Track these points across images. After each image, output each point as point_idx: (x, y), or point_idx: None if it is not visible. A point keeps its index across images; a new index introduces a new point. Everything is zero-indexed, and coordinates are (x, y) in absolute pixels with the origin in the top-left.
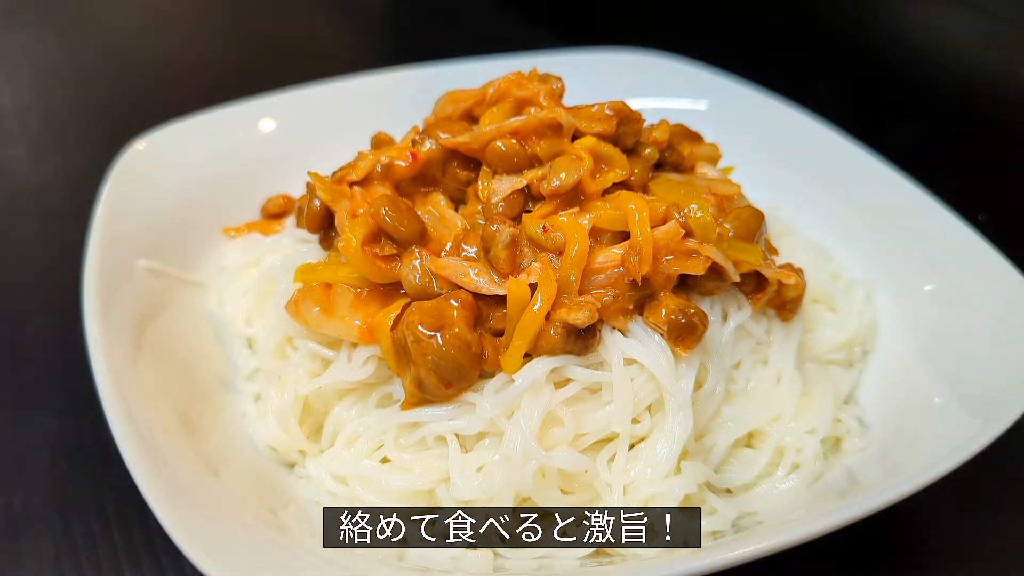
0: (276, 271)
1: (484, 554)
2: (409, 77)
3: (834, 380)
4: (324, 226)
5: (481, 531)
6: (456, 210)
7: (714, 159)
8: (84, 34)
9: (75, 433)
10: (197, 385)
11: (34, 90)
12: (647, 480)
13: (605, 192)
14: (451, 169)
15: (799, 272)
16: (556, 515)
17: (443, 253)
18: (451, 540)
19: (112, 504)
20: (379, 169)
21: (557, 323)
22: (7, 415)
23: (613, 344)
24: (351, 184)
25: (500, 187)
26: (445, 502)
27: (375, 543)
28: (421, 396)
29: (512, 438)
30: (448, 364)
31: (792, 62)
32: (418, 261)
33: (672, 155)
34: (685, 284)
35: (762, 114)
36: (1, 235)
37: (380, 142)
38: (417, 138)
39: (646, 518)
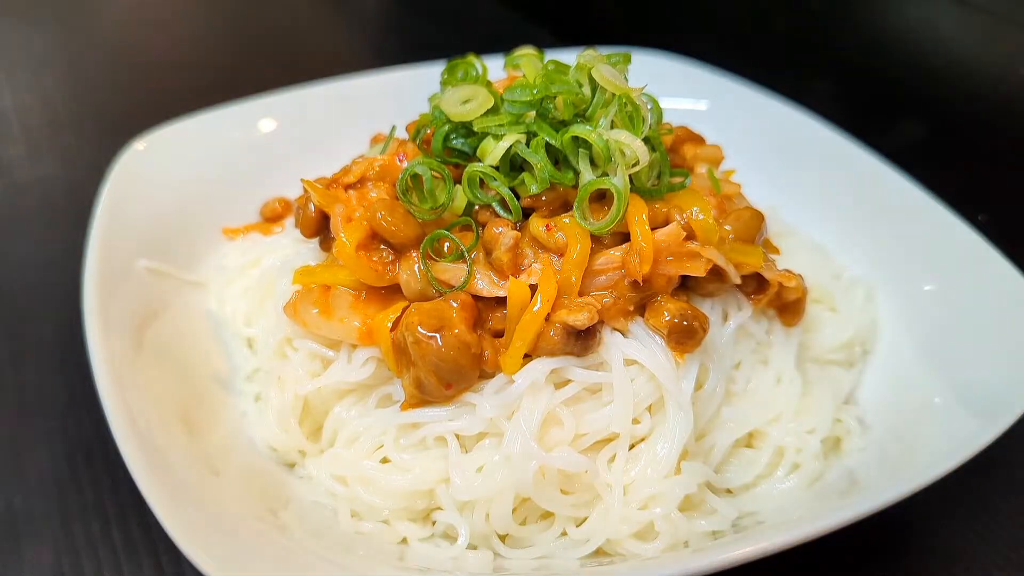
0: (275, 272)
1: (484, 554)
2: (409, 77)
3: (834, 380)
4: (321, 230)
5: (481, 531)
6: None
7: (716, 160)
8: (84, 33)
9: (75, 433)
10: (197, 385)
11: (34, 89)
12: (647, 480)
13: None
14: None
15: (799, 277)
16: (556, 515)
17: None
18: (451, 540)
19: (112, 504)
20: (375, 171)
21: (557, 324)
22: (7, 415)
23: (613, 345)
24: (347, 187)
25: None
26: (445, 502)
27: (375, 543)
28: (421, 397)
29: (512, 438)
30: (448, 365)
31: (792, 62)
32: (417, 266)
33: (675, 157)
34: (686, 286)
35: (762, 114)
36: (1, 235)
37: (379, 143)
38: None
39: (646, 518)
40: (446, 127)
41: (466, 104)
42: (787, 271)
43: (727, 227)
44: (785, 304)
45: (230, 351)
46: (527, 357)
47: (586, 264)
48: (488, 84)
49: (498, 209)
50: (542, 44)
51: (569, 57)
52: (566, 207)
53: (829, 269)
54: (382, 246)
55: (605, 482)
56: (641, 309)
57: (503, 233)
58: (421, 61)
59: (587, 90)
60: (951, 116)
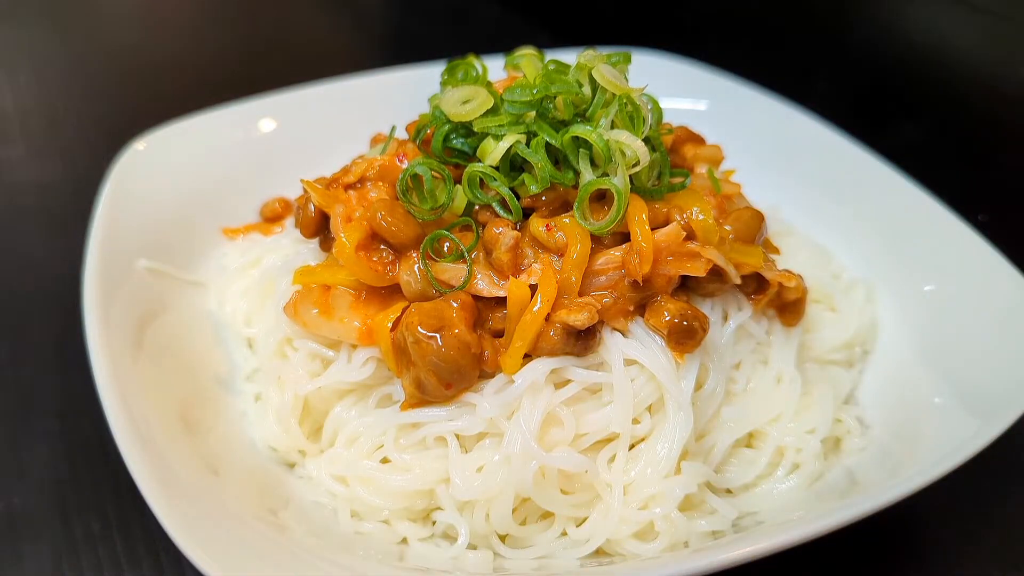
0: (275, 272)
1: (484, 554)
2: (409, 77)
3: (834, 380)
4: (321, 230)
5: (481, 531)
6: None
7: (717, 160)
8: (85, 34)
9: (75, 433)
10: (197, 385)
11: (34, 90)
12: (647, 480)
13: None
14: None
15: (799, 277)
16: (556, 515)
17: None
18: (451, 540)
19: (112, 504)
20: (375, 171)
21: (557, 324)
22: (7, 415)
23: (613, 345)
24: (347, 187)
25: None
26: (445, 502)
27: (375, 543)
28: (421, 397)
29: (512, 438)
30: (448, 365)
31: (792, 62)
32: (417, 266)
33: (675, 157)
34: (686, 286)
35: (762, 114)
36: (1, 235)
37: (379, 143)
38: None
39: (646, 518)
40: (446, 127)
41: (466, 104)
42: (787, 271)
43: (727, 227)
44: (785, 304)
45: (230, 351)
46: (527, 357)
47: (586, 264)
48: (488, 84)
49: (498, 209)
50: (542, 44)
51: (569, 57)
52: (566, 207)
53: (829, 269)
54: (382, 246)
55: (605, 482)
56: (641, 309)
57: (503, 233)
58: (421, 61)
59: (587, 90)
60: (951, 116)
